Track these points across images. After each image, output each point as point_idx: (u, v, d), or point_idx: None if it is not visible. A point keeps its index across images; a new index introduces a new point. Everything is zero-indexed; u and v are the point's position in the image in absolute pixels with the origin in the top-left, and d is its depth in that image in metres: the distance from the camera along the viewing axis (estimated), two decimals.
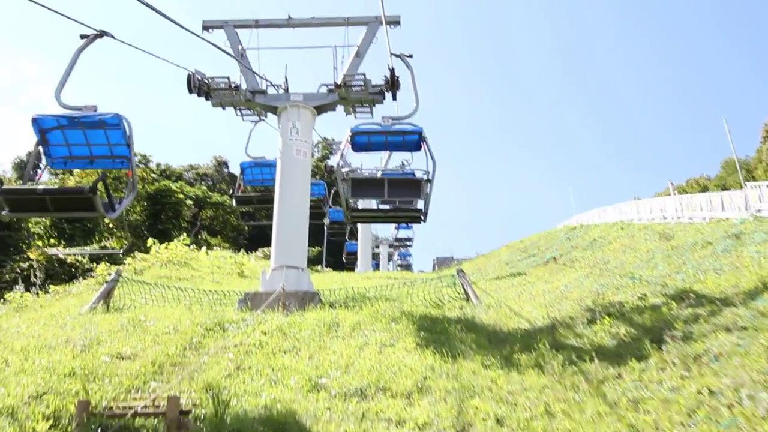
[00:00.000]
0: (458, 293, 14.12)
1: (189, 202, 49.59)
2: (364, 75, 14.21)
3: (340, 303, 13.52)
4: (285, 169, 14.36)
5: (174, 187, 48.41)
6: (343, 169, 12.63)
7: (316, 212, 21.09)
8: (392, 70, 14.67)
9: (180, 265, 26.08)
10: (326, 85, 15.19)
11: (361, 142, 12.06)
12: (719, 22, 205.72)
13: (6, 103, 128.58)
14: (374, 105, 15.50)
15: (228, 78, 14.18)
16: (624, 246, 17.81)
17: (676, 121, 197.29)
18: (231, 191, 16.13)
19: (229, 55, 14.17)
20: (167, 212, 47.08)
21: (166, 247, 27.47)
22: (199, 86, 14.57)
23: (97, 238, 35.30)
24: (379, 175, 12.93)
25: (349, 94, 14.70)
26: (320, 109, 15.24)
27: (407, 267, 79.53)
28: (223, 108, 15.50)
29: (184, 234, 28.50)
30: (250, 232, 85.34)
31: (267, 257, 55.67)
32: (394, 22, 15.68)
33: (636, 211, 35.52)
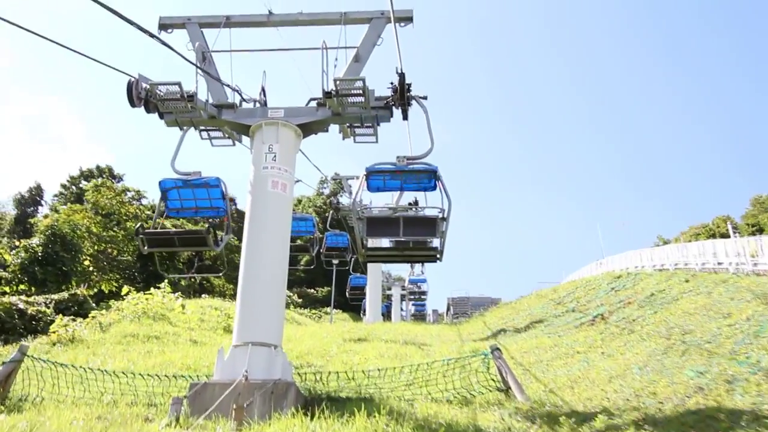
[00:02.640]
0: (493, 379, 10.21)
1: None
2: (364, 81, 10.54)
3: (326, 396, 9.71)
4: (256, 208, 10.64)
5: (169, 226, 44.97)
6: (359, 209, 11.62)
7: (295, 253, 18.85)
8: (402, 75, 11.06)
9: (156, 318, 22.31)
10: (316, 99, 11.61)
11: (376, 182, 11.81)
12: (745, 61, 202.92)
13: (34, 138, 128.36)
14: (378, 124, 11.86)
15: (179, 85, 10.53)
16: (703, 307, 13.79)
17: (700, 158, 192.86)
18: (138, 227, 12.25)
19: (186, 59, 10.55)
20: (161, 253, 43.54)
21: (146, 298, 23.78)
22: (146, 98, 11.00)
23: (73, 283, 31.67)
24: (394, 213, 12.93)
25: (344, 108, 11.08)
26: (307, 129, 11.58)
27: (422, 317, 76.02)
28: (181, 128, 11.91)
29: (165, 282, 24.66)
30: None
31: None
32: (405, 18, 12.14)
33: (682, 254, 31.52)
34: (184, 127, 11.84)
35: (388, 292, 59.59)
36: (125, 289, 24.53)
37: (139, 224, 12.31)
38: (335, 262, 36.04)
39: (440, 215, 10.76)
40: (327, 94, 10.45)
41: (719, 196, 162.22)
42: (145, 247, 11.97)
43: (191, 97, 10.62)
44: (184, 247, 13.98)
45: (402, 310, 66.49)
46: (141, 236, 11.79)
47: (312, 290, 74.01)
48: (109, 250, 42.71)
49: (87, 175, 66.40)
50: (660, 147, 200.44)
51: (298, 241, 22.79)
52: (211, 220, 13.56)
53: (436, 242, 11.29)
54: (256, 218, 10.53)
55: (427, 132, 11.82)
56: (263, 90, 11.87)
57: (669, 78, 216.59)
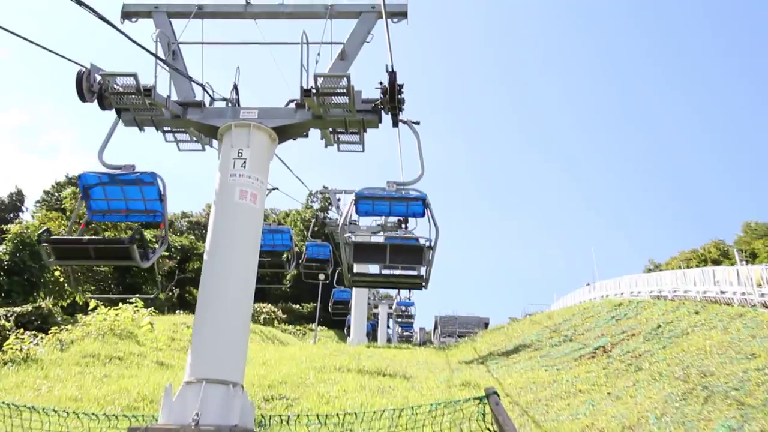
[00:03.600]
0: (489, 429, 8.78)
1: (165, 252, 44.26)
2: (348, 78, 9.16)
3: None
4: (220, 222, 9.18)
5: (148, 236, 43.28)
6: (346, 234, 11.83)
7: (274, 269, 19.55)
8: (392, 74, 9.73)
9: (123, 336, 20.72)
10: (295, 101, 10.24)
11: (365, 207, 11.67)
12: (739, 83, 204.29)
13: (22, 148, 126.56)
14: (365, 130, 10.51)
15: (135, 77, 9.12)
16: (720, 345, 12.45)
17: (689, 182, 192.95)
18: (42, 232, 10.43)
19: (146, 50, 9.17)
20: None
21: (116, 313, 22.15)
22: (99, 92, 9.60)
23: (42, 295, 29.96)
24: (382, 239, 13.84)
25: (326, 111, 9.71)
26: (283, 133, 10.16)
27: (409, 318, 74.66)
28: (141, 128, 10.45)
29: (136, 297, 23.07)
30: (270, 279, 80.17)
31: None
32: (399, 13, 10.86)
33: (681, 281, 30.25)
34: (144, 128, 10.40)
35: (374, 311, 57.99)
36: (92, 302, 22.85)
37: (44, 229, 10.19)
38: (322, 278, 34.18)
39: (427, 244, 10.73)
40: (306, 92, 9.04)
41: (708, 221, 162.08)
42: (51, 259, 9.72)
43: (148, 91, 9.16)
44: (101, 261, 12.61)
45: (389, 328, 64.88)
46: (45, 244, 9.51)
47: (297, 306, 72.36)
48: None
49: (73, 182, 64.62)
50: (649, 170, 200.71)
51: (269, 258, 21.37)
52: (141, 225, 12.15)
53: (422, 270, 11.25)
54: (220, 233, 9.09)
55: (418, 157, 11.45)
56: (236, 88, 10.47)
57: (657, 99, 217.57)
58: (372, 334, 57.28)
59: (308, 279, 41.71)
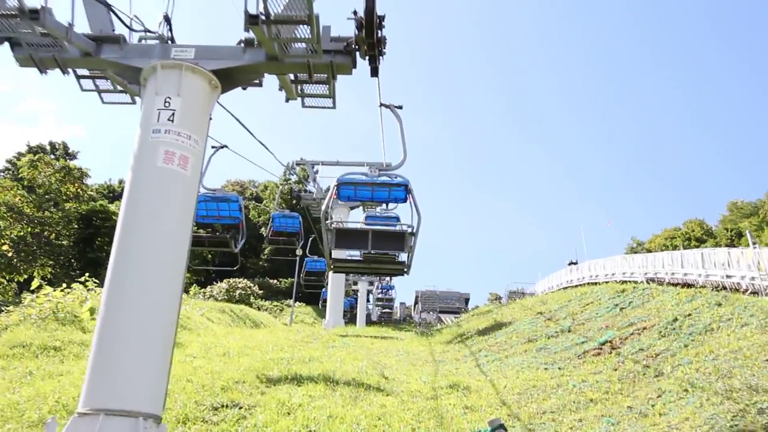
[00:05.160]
0: None
1: None
2: (310, 6, 6.79)
3: None
4: (136, 194, 6.82)
5: (113, 209, 40.57)
6: (328, 221, 11.62)
7: (216, 247, 17.60)
8: (370, 4, 7.40)
9: (66, 322, 18.29)
10: (246, 40, 7.87)
11: (347, 192, 11.90)
12: (731, 64, 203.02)
13: (2, 116, 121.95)
14: (334, 77, 8.21)
15: None
16: (763, 348, 10.42)
17: (670, 160, 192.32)
18: None
19: None
20: (103, 237, 39.17)
21: (62, 293, 19.64)
22: None
23: None
24: (363, 218, 16.02)
25: (282, 49, 7.38)
26: (228, 78, 7.77)
27: (389, 302, 72.95)
28: (42, 71, 8.00)
29: (87, 275, 20.65)
30: (220, 258, 77.68)
31: (222, 299, 47.42)
32: None
33: (678, 263, 28.37)
34: (47, 70, 7.97)
35: (354, 287, 55.90)
36: (35, 282, 20.28)
37: None
38: (298, 253, 31.43)
39: (409, 230, 10.89)
40: (252, 19, 6.61)
41: (690, 199, 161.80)
42: None
43: (35, 13, 6.72)
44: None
45: (368, 302, 62.88)
46: None
47: (274, 281, 70.15)
48: (47, 233, 38.25)
49: (35, 152, 61.26)
50: (631, 149, 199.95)
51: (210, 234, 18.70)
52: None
53: (404, 256, 11.57)
54: (135, 209, 6.74)
55: (401, 142, 11.75)
56: (167, 20, 8.05)
57: (642, 78, 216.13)
58: (350, 312, 55.25)
59: (276, 255, 38.89)
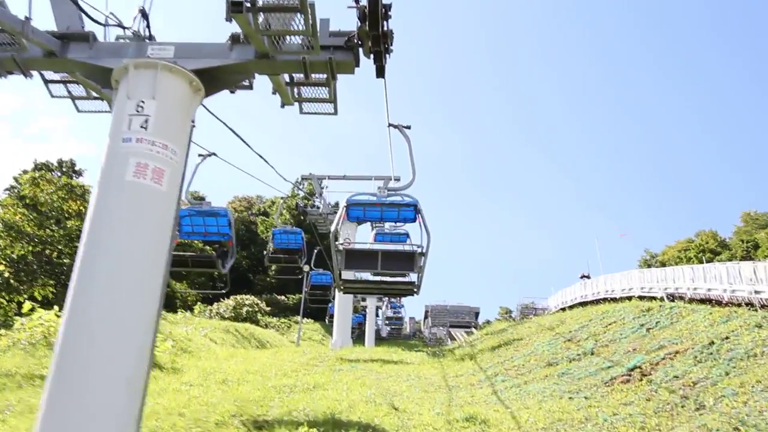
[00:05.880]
0: None
1: None
2: None
3: None
4: (102, 212, 5.85)
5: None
6: (338, 242, 11.19)
7: (202, 268, 15.83)
8: None
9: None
10: (236, 37, 6.91)
11: (356, 213, 11.98)
12: (739, 75, 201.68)
13: (14, 134, 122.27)
14: (334, 77, 7.21)
15: None
16: None
17: (682, 172, 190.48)
18: None
19: None
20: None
21: (57, 316, 18.65)
22: None
23: None
24: (372, 244, 15.23)
25: (274, 44, 6.42)
26: (213, 81, 6.78)
27: (399, 320, 72.06)
28: (2, 74, 7.07)
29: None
30: (233, 274, 76.67)
31: (229, 316, 46.28)
32: None
33: (699, 277, 27.10)
34: (6, 73, 7.02)
35: (362, 303, 54.75)
36: (27, 305, 19.30)
37: None
38: (306, 269, 30.24)
39: (419, 250, 10.72)
40: (235, 6, 5.64)
41: (702, 211, 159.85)
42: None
43: None
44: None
45: (377, 317, 61.65)
46: None
47: (283, 297, 69.01)
48: (48, 252, 37.36)
49: (40, 168, 60.65)
50: (643, 161, 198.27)
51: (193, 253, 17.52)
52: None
53: (413, 276, 11.41)
54: (99, 230, 5.75)
55: (410, 162, 11.81)
56: (144, 14, 7.08)
57: (652, 88, 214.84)
58: (359, 329, 54.02)
59: (279, 274, 36.99)
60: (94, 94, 8.05)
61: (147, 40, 6.97)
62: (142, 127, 6.03)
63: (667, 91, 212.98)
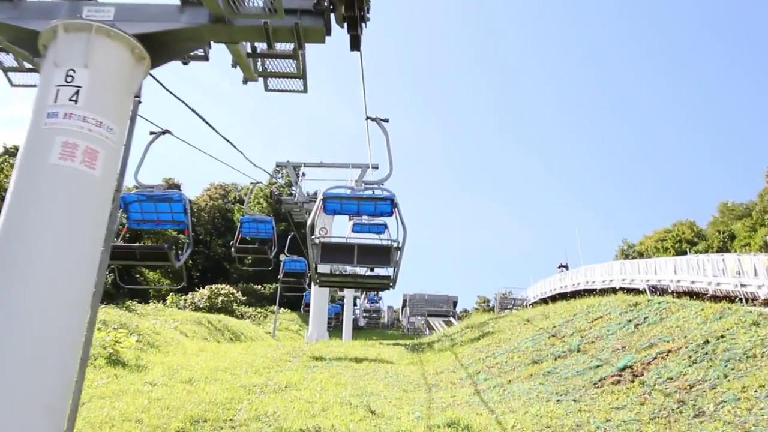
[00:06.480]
0: None
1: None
2: None
3: None
4: (21, 199, 4.87)
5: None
6: (314, 235, 11.17)
7: (152, 261, 14.42)
8: None
9: None
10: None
11: (333, 206, 12.00)
12: (725, 64, 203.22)
13: None
14: (302, 47, 6.27)
15: None
16: None
17: (660, 161, 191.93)
18: None
19: None
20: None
21: None
22: None
23: None
24: (349, 237, 14.85)
25: (231, 7, 5.47)
26: (161, 48, 5.80)
27: (377, 312, 71.82)
28: None
29: None
30: (203, 264, 75.24)
31: (204, 306, 45.07)
32: None
33: (684, 270, 26.70)
34: None
35: (340, 293, 54.01)
36: None
37: None
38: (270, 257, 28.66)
39: (395, 244, 10.82)
40: None
41: (679, 202, 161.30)
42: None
43: None
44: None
45: (355, 306, 61.03)
46: None
47: (259, 286, 67.94)
48: None
49: (11, 153, 58.51)
50: (621, 151, 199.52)
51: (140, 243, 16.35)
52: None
53: (389, 270, 11.47)
54: (17, 222, 4.79)
55: (387, 155, 11.78)
56: None
57: (632, 78, 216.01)
58: (336, 319, 53.18)
59: (247, 265, 35.18)
60: (28, 65, 7.04)
61: (83, 0, 5.98)
62: (71, 100, 5.07)
63: (645, 81, 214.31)
